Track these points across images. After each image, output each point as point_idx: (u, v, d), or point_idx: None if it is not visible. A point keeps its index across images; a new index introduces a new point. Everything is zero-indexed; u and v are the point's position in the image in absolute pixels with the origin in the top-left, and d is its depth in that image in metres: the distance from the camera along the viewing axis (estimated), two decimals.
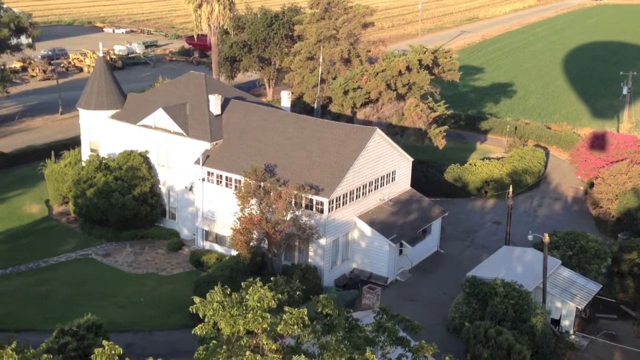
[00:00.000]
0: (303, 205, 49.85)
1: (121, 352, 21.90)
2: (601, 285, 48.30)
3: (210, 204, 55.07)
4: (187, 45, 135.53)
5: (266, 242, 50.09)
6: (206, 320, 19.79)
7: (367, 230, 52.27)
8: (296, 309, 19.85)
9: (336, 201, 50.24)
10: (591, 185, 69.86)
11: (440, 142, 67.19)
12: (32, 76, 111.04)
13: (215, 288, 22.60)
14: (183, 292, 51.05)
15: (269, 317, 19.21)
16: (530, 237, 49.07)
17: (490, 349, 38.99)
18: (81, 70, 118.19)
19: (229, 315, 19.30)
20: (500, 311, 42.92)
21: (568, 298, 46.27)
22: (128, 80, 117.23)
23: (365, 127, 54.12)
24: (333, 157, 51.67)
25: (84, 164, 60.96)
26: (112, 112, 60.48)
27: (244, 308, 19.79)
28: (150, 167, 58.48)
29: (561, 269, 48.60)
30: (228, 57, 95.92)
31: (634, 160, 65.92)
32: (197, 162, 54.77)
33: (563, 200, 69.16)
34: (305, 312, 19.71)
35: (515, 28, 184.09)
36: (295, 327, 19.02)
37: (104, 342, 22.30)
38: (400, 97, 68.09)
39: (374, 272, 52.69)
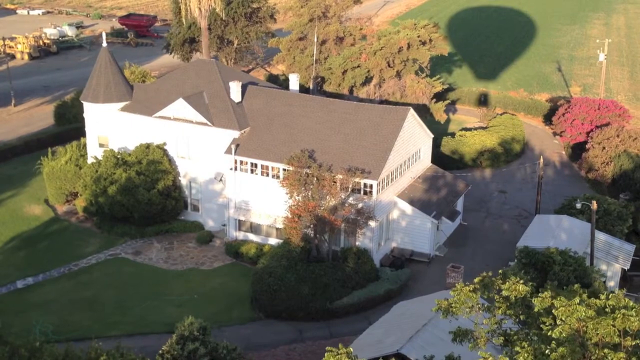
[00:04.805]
0: (349, 189, 50.04)
1: None
2: (635, 245, 51.39)
3: (244, 194, 54.19)
4: (118, 26, 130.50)
5: (312, 227, 50.03)
6: (566, 323, 19.96)
7: (408, 208, 53.13)
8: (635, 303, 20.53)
9: (382, 183, 50.77)
10: (573, 149, 73.68)
11: (441, 117, 68.70)
12: None
13: (457, 286, 22.87)
14: (233, 285, 50.54)
15: (634, 314, 19.73)
16: (578, 205, 51.47)
17: None
18: (13, 57, 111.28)
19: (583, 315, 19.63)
20: (563, 278, 44.91)
21: (612, 260, 49.08)
22: (70, 67, 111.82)
23: (398, 108, 54.72)
24: (371, 139, 51.98)
25: (91, 159, 58.37)
26: (122, 104, 58.00)
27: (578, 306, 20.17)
28: (169, 160, 56.75)
29: (597, 232, 51.26)
30: (187, 38, 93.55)
31: (619, 123, 69.85)
32: (228, 151, 53.61)
33: (552, 166, 72.37)
34: None
35: None
36: None
37: None
38: (397, 74, 68.85)
39: (415, 249, 53.73)
